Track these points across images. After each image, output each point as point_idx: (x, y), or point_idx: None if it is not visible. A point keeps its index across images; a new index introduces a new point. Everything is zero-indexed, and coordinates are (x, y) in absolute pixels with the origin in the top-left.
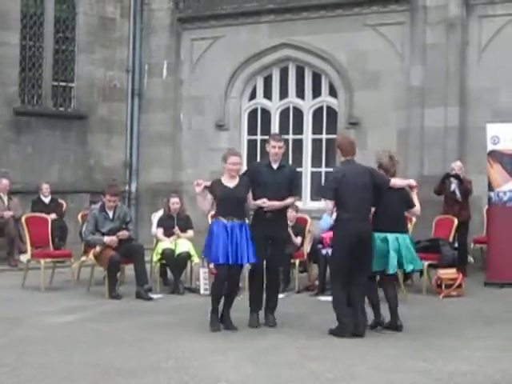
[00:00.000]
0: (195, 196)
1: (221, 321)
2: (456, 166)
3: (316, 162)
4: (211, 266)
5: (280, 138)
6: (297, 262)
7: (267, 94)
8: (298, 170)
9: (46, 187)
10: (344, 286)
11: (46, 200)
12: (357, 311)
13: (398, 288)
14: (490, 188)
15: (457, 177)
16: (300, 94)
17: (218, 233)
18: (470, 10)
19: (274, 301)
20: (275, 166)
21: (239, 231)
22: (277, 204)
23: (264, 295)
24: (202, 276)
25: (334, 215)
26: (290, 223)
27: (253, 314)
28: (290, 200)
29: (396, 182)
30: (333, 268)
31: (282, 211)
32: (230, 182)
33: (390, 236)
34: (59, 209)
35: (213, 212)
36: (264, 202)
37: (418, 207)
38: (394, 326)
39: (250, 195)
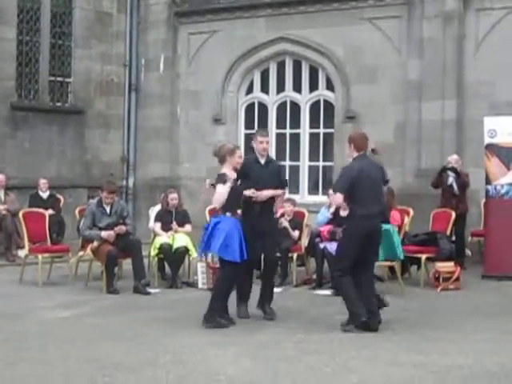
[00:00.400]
0: (193, 190)
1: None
2: (453, 159)
3: (313, 156)
4: (209, 260)
5: (266, 134)
6: (294, 255)
7: (264, 88)
8: (296, 164)
9: (43, 182)
10: (352, 280)
11: (44, 195)
12: (369, 305)
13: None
14: (488, 181)
15: (454, 170)
16: (297, 87)
17: (232, 230)
18: (467, 4)
19: (271, 291)
20: (263, 161)
21: (240, 227)
22: (265, 193)
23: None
24: (200, 270)
25: (332, 209)
26: (287, 217)
27: (242, 305)
28: (279, 191)
29: None
30: (342, 262)
31: (269, 203)
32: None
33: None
34: (57, 204)
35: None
36: (253, 192)
37: None
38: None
39: None
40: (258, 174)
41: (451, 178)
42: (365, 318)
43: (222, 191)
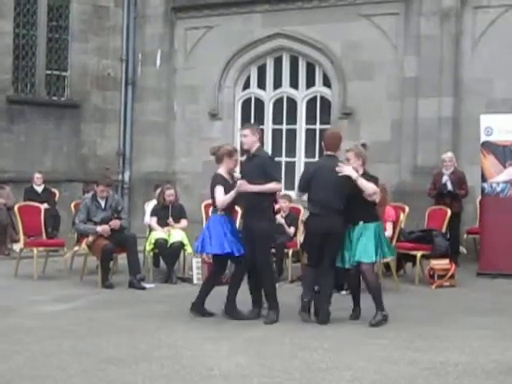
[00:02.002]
0: (188, 185)
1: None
2: (447, 157)
3: (309, 152)
4: (204, 255)
5: (245, 127)
6: (290, 252)
7: (261, 84)
8: (292, 160)
9: (38, 176)
10: (314, 270)
11: (39, 189)
12: (320, 298)
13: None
14: (484, 179)
15: (451, 194)
16: (294, 83)
17: (215, 226)
18: (464, 1)
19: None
20: (250, 155)
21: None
22: (248, 187)
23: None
24: (195, 266)
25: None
26: (283, 213)
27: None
28: (268, 186)
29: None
30: (308, 255)
31: (255, 200)
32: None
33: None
34: (52, 198)
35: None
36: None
37: None
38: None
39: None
40: (242, 168)
41: (445, 177)
42: (306, 298)
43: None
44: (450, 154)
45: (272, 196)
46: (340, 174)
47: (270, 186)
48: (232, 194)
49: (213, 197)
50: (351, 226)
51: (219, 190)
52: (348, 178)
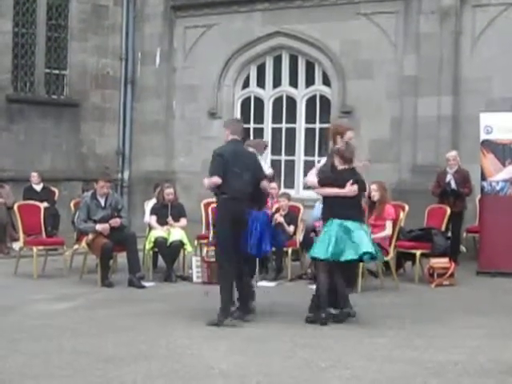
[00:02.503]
0: (188, 184)
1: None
2: (451, 155)
3: (309, 150)
4: (203, 254)
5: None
6: (289, 250)
7: (260, 83)
8: (291, 158)
9: (34, 175)
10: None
11: (38, 188)
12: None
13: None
14: (483, 178)
15: (454, 192)
16: (293, 82)
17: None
18: (464, 0)
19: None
20: None
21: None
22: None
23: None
24: (195, 264)
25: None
26: (282, 212)
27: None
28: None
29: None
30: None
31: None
32: None
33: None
34: (51, 197)
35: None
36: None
37: None
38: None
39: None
40: None
41: (449, 176)
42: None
43: None
44: (454, 153)
45: (216, 189)
46: None
47: (209, 181)
48: None
49: None
50: None
51: None
52: None
